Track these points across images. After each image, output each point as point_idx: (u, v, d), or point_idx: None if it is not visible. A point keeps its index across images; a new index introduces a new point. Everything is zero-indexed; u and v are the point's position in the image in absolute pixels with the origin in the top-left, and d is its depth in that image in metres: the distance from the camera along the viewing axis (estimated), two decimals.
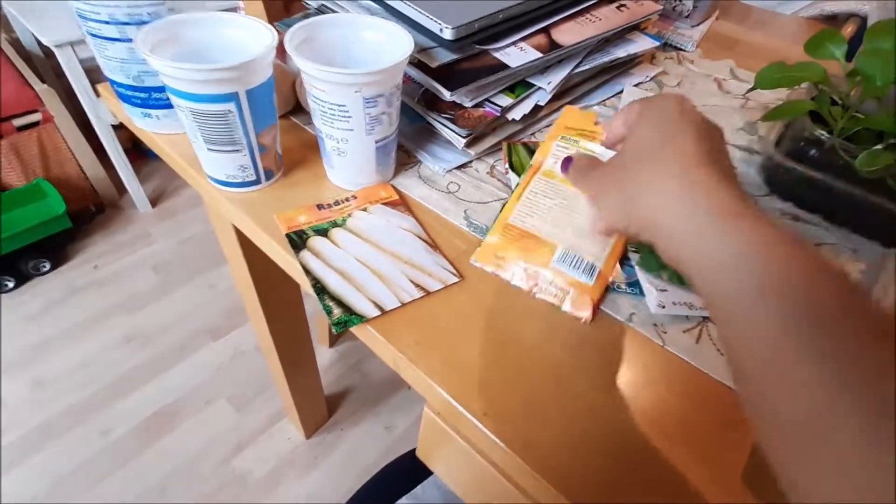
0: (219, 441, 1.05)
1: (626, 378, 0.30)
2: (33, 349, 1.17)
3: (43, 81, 1.26)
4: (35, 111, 1.23)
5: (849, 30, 0.95)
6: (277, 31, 0.34)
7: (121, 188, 1.51)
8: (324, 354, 1.21)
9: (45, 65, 1.49)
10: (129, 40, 0.37)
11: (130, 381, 1.13)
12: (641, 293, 0.34)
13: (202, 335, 1.23)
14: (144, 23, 0.36)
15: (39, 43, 1.46)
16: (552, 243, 0.35)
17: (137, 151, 1.65)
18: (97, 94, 1.25)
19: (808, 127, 0.41)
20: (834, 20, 0.98)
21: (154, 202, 1.55)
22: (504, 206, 0.38)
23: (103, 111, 1.27)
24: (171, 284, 1.33)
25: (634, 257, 0.36)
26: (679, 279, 0.35)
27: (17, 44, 1.43)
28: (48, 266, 1.31)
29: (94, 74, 1.25)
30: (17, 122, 1.22)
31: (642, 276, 0.35)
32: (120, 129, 1.46)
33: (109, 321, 1.24)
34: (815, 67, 0.42)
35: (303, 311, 0.80)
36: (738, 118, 0.55)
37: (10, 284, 1.26)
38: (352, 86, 0.32)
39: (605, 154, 0.37)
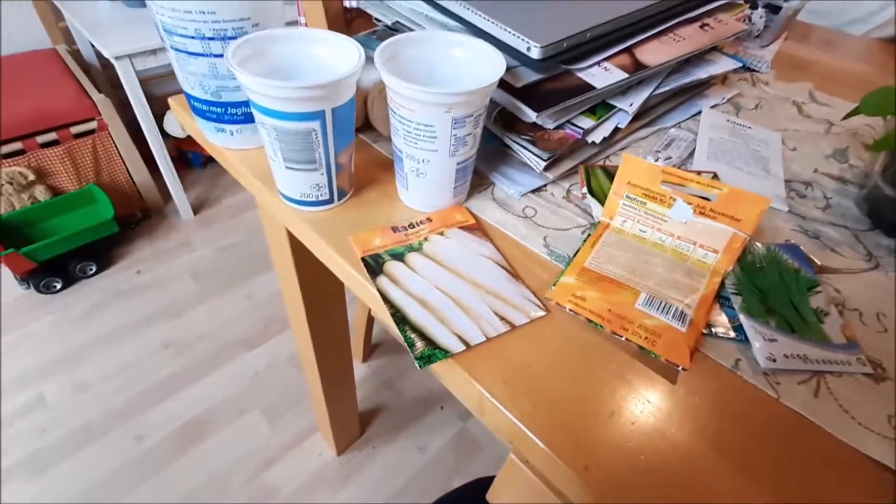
0: (250, 453, 1.04)
1: (737, 434, 0.27)
2: (77, 351, 1.19)
3: (100, 91, 1.31)
4: (92, 119, 1.28)
5: None
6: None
7: (166, 195, 1.55)
8: (358, 369, 1.19)
9: (102, 76, 1.55)
10: (212, 55, 0.36)
11: (166, 387, 1.13)
12: (747, 339, 0.31)
13: (238, 345, 1.23)
14: (229, 38, 0.35)
15: (98, 55, 1.52)
16: (633, 288, 0.33)
17: (183, 160, 1.70)
18: (149, 104, 1.28)
19: None
20: None
21: (196, 210, 1.58)
22: (577, 251, 0.36)
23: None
24: (210, 293, 1.35)
25: (736, 300, 0.33)
26: (790, 326, 0.31)
27: (76, 55, 1.50)
28: (94, 269, 1.34)
29: (146, 86, 1.29)
30: (75, 129, 1.26)
31: (747, 323, 0.32)
32: (167, 138, 1.50)
33: (149, 326, 1.25)
34: None
35: (346, 324, 0.79)
36: (826, 145, 0.52)
37: (58, 285, 1.29)
38: (443, 106, 0.31)
39: (674, 220, 0.35)
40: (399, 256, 0.35)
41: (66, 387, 1.12)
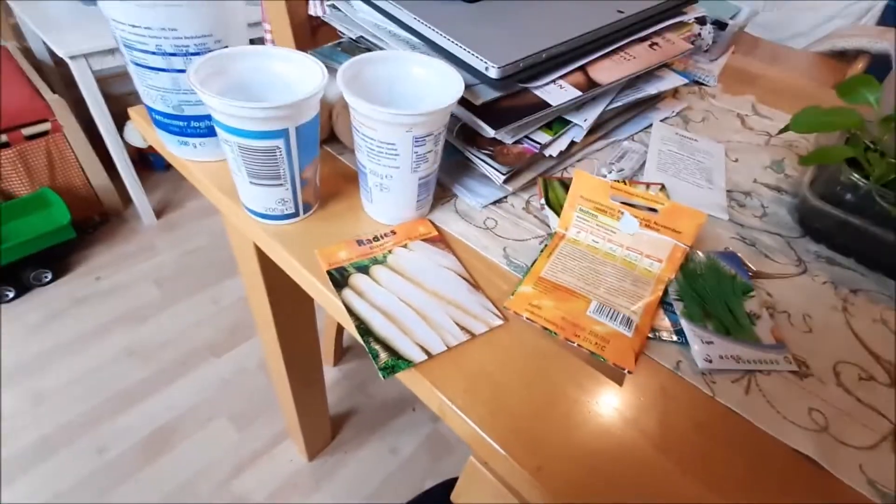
0: (219, 461, 1.02)
1: (678, 432, 0.30)
2: (33, 361, 1.14)
3: (53, 90, 1.26)
4: (45, 121, 1.22)
5: (859, 66, 0.97)
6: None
7: (126, 199, 1.50)
8: (328, 373, 1.19)
9: (55, 74, 1.49)
10: (174, 70, 0.36)
11: (130, 396, 1.10)
12: (687, 342, 0.34)
13: (204, 351, 1.21)
14: (191, 55, 0.36)
15: (51, 52, 1.46)
16: (585, 297, 0.35)
17: (144, 162, 1.65)
18: (107, 104, 1.24)
19: (845, 171, 0.42)
20: (843, 56, 1.00)
21: (159, 214, 1.54)
22: (535, 262, 0.38)
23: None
24: (174, 298, 1.31)
25: (678, 306, 0.36)
26: (726, 329, 0.34)
27: (27, 53, 1.43)
28: (50, 276, 1.29)
29: (104, 84, 1.25)
30: (27, 131, 1.21)
31: (687, 327, 0.34)
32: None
33: (111, 334, 1.21)
34: (852, 114, 0.42)
35: (315, 329, 0.79)
36: (765, 156, 0.56)
37: (11, 294, 1.24)
38: (403, 125, 0.32)
39: (622, 232, 0.37)
40: (364, 269, 0.36)
41: (23, 398, 1.07)
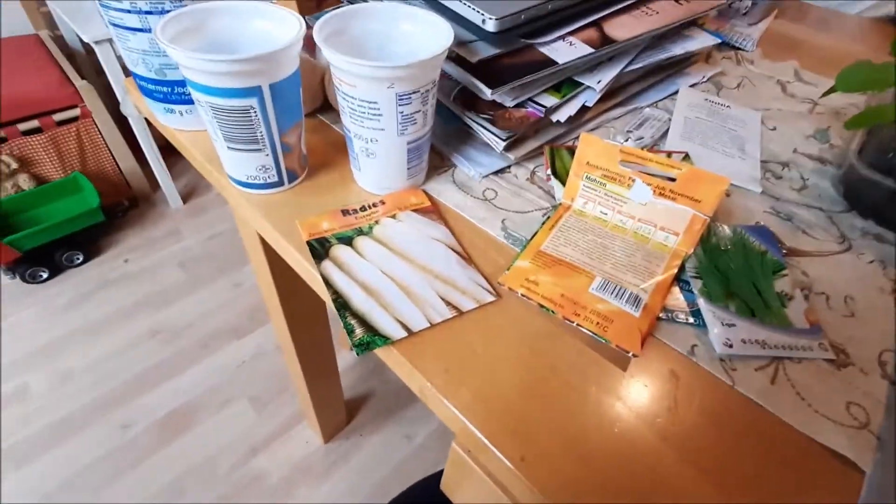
0: (237, 441, 1.04)
1: (688, 423, 0.26)
2: (63, 340, 1.19)
3: (83, 78, 1.29)
4: (74, 106, 1.26)
5: None
6: (307, 22, 0.32)
7: (154, 184, 1.54)
8: (344, 357, 1.19)
9: (86, 61, 1.53)
10: (151, 31, 0.35)
11: (153, 376, 1.13)
12: (705, 324, 0.30)
13: (225, 334, 1.22)
14: (166, 12, 0.34)
15: (81, 40, 1.49)
16: (589, 272, 0.31)
17: (170, 147, 1.68)
18: None
19: None
20: None
21: (185, 198, 1.57)
22: (535, 234, 0.34)
23: (129, 106, 1.28)
24: (198, 281, 1.34)
25: (696, 284, 0.31)
26: (751, 311, 0.30)
27: (60, 41, 1.47)
28: (81, 258, 1.33)
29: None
30: (58, 116, 1.24)
31: (705, 307, 0.30)
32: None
33: (137, 315, 1.25)
34: None
35: (325, 313, 0.78)
36: (807, 125, 0.50)
37: (45, 275, 1.29)
38: (384, 80, 0.29)
39: (634, 201, 0.33)
40: (347, 240, 0.33)
41: (52, 376, 1.12)
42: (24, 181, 1.25)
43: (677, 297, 0.31)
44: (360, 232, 0.34)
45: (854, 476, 0.24)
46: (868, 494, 0.23)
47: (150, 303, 1.28)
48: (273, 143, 0.33)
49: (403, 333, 0.28)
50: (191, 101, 0.39)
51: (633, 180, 0.33)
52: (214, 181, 0.40)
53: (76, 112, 1.27)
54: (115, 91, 1.23)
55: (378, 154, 0.34)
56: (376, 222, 0.35)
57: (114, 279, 1.33)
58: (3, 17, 1.40)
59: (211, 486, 0.97)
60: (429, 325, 0.29)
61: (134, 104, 0.46)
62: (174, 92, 0.38)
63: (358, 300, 0.30)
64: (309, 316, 0.74)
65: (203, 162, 0.40)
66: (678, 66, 0.53)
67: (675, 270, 0.32)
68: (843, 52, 0.66)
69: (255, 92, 0.30)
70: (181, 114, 0.40)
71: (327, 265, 0.32)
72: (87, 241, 1.35)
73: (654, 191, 0.33)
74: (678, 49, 0.47)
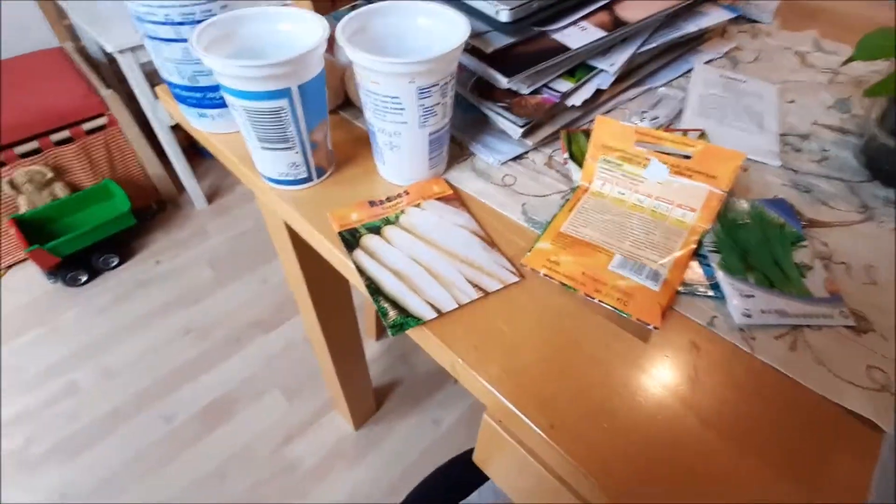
0: (272, 430, 1.08)
1: (708, 390, 0.27)
2: (104, 339, 1.25)
3: (107, 86, 1.33)
4: (101, 115, 1.30)
5: None
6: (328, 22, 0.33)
7: (179, 186, 1.59)
8: (371, 347, 1.22)
9: (108, 70, 1.58)
10: (184, 41, 0.37)
11: (190, 370, 1.18)
12: (724, 296, 0.31)
13: (255, 328, 1.27)
14: (199, 22, 0.36)
15: (103, 50, 1.54)
16: (609, 251, 0.33)
17: (194, 150, 1.73)
18: (156, 96, 1.30)
19: None
20: None
21: (210, 199, 1.61)
22: (554, 217, 0.36)
23: (161, 113, 1.33)
24: (226, 279, 1.38)
25: (714, 258, 0.32)
26: (770, 282, 0.31)
27: (83, 52, 1.52)
28: (116, 261, 1.39)
29: (152, 78, 1.31)
30: (87, 126, 1.29)
31: (724, 280, 0.31)
32: (177, 129, 1.53)
33: (170, 314, 1.30)
34: None
35: (352, 303, 0.81)
36: (828, 95, 0.49)
37: (84, 278, 1.35)
38: (406, 76, 0.31)
39: (651, 181, 0.34)
40: (375, 230, 0.35)
41: (96, 374, 1.18)
42: (60, 189, 1.31)
43: (696, 272, 0.32)
44: (388, 221, 0.36)
45: (873, 436, 0.25)
46: (888, 452, 0.24)
47: (183, 301, 1.33)
48: (302, 141, 0.35)
49: (433, 314, 0.30)
50: (222, 105, 0.42)
51: (649, 160, 0.34)
52: (246, 179, 0.42)
53: (104, 120, 1.31)
54: (138, 97, 1.27)
55: (401, 146, 0.35)
56: (402, 212, 0.36)
57: (147, 280, 1.38)
58: (29, 32, 1.46)
59: (250, 472, 1.01)
60: (457, 305, 0.31)
61: (167, 110, 0.48)
62: (206, 97, 0.41)
63: (389, 285, 0.32)
64: (336, 306, 0.77)
65: (237, 162, 0.42)
66: (692, 43, 0.53)
67: (694, 246, 0.33)
68: (866, 18, 0.65)
69: (285, 93, 0.32)
70: (213, 118, 0.42)
71: (359, 254, 0.34)
72: (121, 244, 1.41)
73: (671, 169, 0.33)
74: (692, 26, 0.47)
